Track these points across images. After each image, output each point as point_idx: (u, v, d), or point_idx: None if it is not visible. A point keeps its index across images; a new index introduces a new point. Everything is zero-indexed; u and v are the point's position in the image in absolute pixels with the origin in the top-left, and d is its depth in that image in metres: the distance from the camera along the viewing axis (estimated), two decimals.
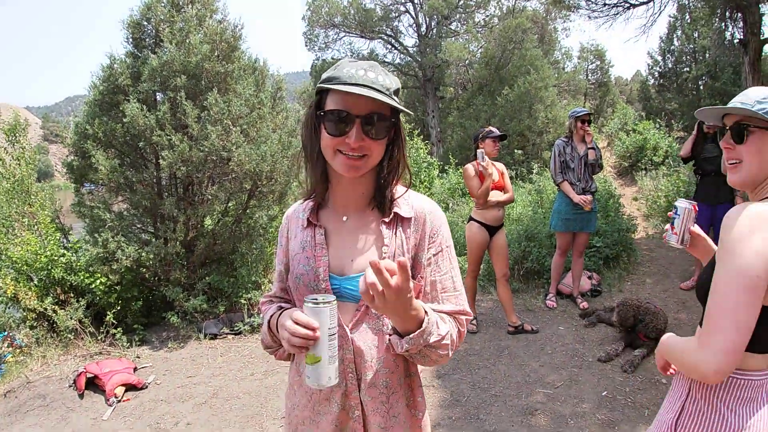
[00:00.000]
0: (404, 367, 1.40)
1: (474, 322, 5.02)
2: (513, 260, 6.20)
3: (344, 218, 1.39)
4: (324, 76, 1.27)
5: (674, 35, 16.97)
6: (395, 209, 1.36)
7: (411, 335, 1.19)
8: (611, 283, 6.00)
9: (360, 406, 1.35)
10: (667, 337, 1.55)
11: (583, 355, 4.32)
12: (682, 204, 1.66)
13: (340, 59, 1.35)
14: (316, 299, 1.15)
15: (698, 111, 1.59)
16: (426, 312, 1.22)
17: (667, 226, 1.73)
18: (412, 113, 1.27)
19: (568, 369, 4.11)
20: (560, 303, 5.54)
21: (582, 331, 4.82)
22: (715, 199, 5.23)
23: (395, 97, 1.27)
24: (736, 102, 1.43)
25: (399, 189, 1.40)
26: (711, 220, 5.22)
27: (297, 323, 1.14)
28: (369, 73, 1.22)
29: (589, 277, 5.92)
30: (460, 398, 3.78)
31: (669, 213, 1.74)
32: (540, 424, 3.38)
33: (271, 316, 1.40)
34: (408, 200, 1.40)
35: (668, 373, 1.70)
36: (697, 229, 1.70)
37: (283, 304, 1.47)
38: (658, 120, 15.48)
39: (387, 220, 1.35)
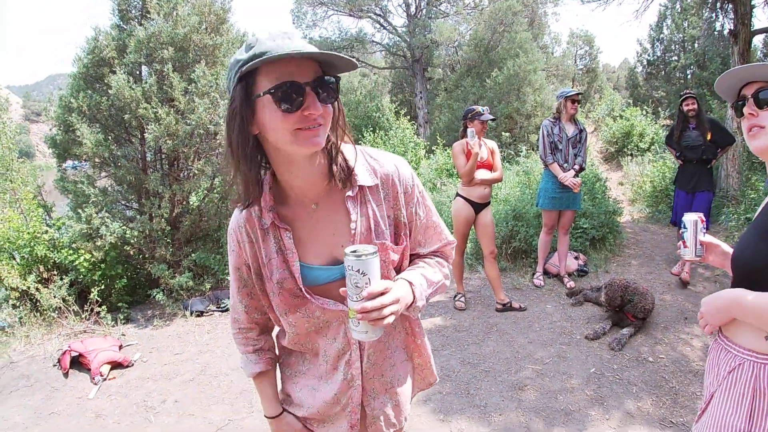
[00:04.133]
0: (402, 326, 1.53)
1: (462, 299, 5.03)
2: (500, 239, 6.21)
3: (313, 206, 1.30)
4: (238, 59, 1.11)
5: (664, 24, 17.05)
6: (358, 181, 1.28)
7: (410, 308, 1.30)
8: (597, 263, 6.04)
9: (361, 375, 1.39)
10: (741, 292, 1.33)
11: (570, 333, 4.34)
12: (688, 218, 1.66)
13: (251, 39, 1.13)
14: (357, 251, 1.12)
15: (722, 76, 1.46)
16: (411, 282, 1.30)
17: (679, 242, 1.71)
18: (357, 63, 1.19)
19: (556, 346, 4.13)
20: (547, 282, 5.57)
21: (569, 309, 4.85)
22: (694, 187, 5.27)
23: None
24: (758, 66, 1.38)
25: (347, 150, 1.31)
26: (690, 208, 5.24)
27: (373, 295, 1.12)
28: (295, 40, 1.11)
29: (576, 258, 5.96)
30: (450, 374, 3.78)
31: (679, 231, 1.72)
32: (529, 399, 3.40)
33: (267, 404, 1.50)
34: (367, 164, 1.32)
35: (710, 332, 1.53)
36: (708, 238, 1.67)
37: (266, 368, 1.49)
38: (645, 107, 15.58)
39: (352, 194, 1.28)
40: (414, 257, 1.47)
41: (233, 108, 1.11)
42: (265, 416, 1.50)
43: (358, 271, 1.10)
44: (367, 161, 1.33)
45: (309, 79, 1.09)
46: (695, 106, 5.20)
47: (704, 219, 1.66)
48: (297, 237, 1.29)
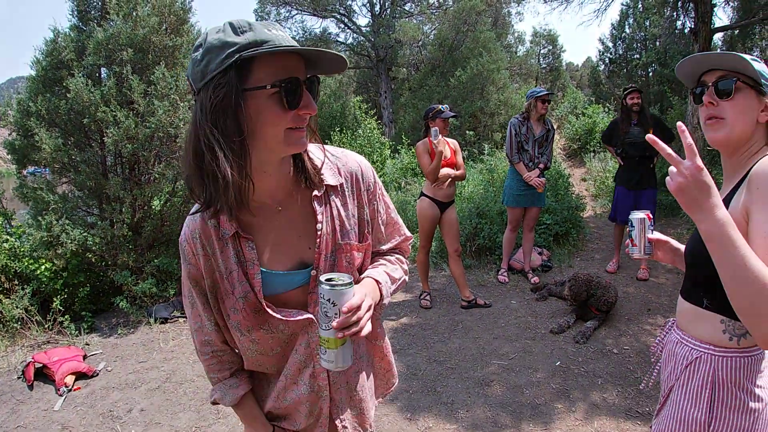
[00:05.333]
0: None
1: (428, 297, 5.08)
2: (465, 237, 6.29)
3: (279, 209, 1.24)
4: (226, 41, 1.00)
5: (626, 23, 17.38)
6: (325, 181, 1.25)
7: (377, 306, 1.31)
8: (561, 258, 6.17)
9: (328, 386, 1.34)
10: (739, 236, 1.14)
11: (535, 328, 4.43)
12: (635, 215, 1.64)
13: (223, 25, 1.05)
14: (332, 280, 1.09)
15: (686, 59, 1.40)
16: (378, 281, 1.31)
17: (626, 240, 1.71)
18: (345, 60, 1.08)
19: (521, 341, 4.21)
20: (512, 278, 5.67)
21: (533, 304, 4.94)
22: (638, 185, 5.24)
23: None
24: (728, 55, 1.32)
25: (314, 150, 1.28)
26: (634, 205, 5.23)
27: (352, 308, 1.08)
28: (283, 30, 1.06)
29: (540, 253, 6.07)
30: (417, 372, 3.82)
31: (626, 229, 1.72)
32: (496, 394, 3.46)
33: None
34: (331, 163, 1.29)
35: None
36: (657, 235, 1.66)
37: (248, 388, 1.38)
38: (607, 104, 15.89)
39: (319, 194, 1.24)
40: (374, 255, 1.45)
41: (225, 96, 0.99)
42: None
43: (329, 300, 1.07)
44: (330, 160, 1.29)
45: (304, 78, 1.06)
46: (639, 100, 5.21)
47: (651, 216, 1.66)
48: (260, 244, 1.22)
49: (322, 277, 1.10)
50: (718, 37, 12.90)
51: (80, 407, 3.75)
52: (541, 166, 5.21)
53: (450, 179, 4.67)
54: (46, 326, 4.97)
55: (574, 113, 17.43)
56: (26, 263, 5.31)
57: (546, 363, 3.83)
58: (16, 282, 5.34)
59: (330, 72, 1.16)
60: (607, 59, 18.47)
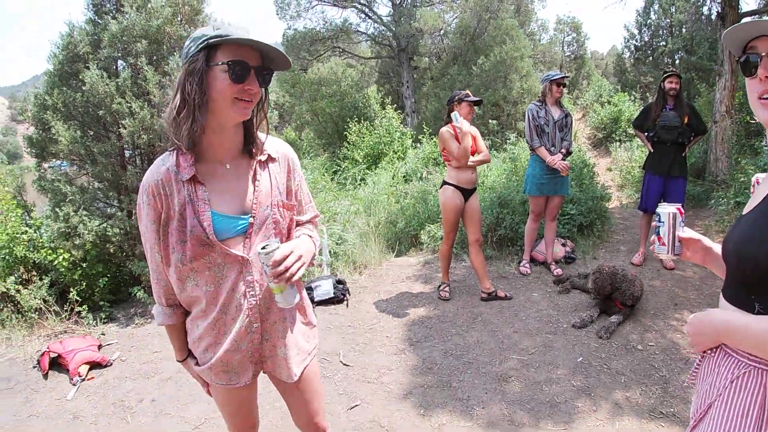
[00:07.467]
0: None
1: (447, 289, 4.96)
2: (486, 227, 6.14)
3: (227, 166, 1.58)
4: (205, 34, 1.39)
5: (651, 9, 16.98)
6: (266, 152, 1.64)
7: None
8: (585, 250, 5.98)
9: (259, 318, 1.65)
10: (734, 318, 1.18)
11: (557, 322, 4.29)
12: (665, 209, 1.46)
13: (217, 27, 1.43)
14: (265, 247, 1.47)
15: (738, 25, 1.18)
16: (311, 237, 1.76)
17: (653, 237, 1.51)
18: (290, 59, 1.59)
19: (542, 335, 4.07)
20: (534, 270, 5.50)
21: (556, 297, 4.79)
22: (668, 171, 5.05)
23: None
24: None
25: (260, 134, 1.64)
26: (662, 196, 5.06)
27: (277, 263, 1.47)
28: (251, 34, 1.42)
29: (563, 245, 5.90)
30: (433, 366, 3.72)
31: (653, 223, 1.51)
32: (514, 390, 3.34)
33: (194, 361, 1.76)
34: (271, 144, 1.68)
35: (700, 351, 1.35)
36: (688, 233, 1.46)
37: (178, 322, 1.71)
38: (633, 92, 15.54)
39: (263, 159, 1.63)
40: (297, 225, 1.81)
41: (195, 67, 1.39)
42: (177, 360, 1.80)
43: (264, 263, 1.47)
44: (271, 143, 1.69)
45: (255, 65, 1.44)
46: (678, 85, 5.03)
47: (683, 211, 1.47)
48: (210, 190, 1.53)
49: (258, 247, 1.49)
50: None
51: (92, 397, 3.75)
52: (563, 150, 5.04)
53: (474, 164, 4.56)
54: (63, 316, 4.99)
55: (599, 102, 17.09)
56: (44, 254, 5.35)
57: (567, 359, 3.69)
58: (35, 273, 5.37)
59: (279, 68, 1.55)
60: (632, 46, 18.09)
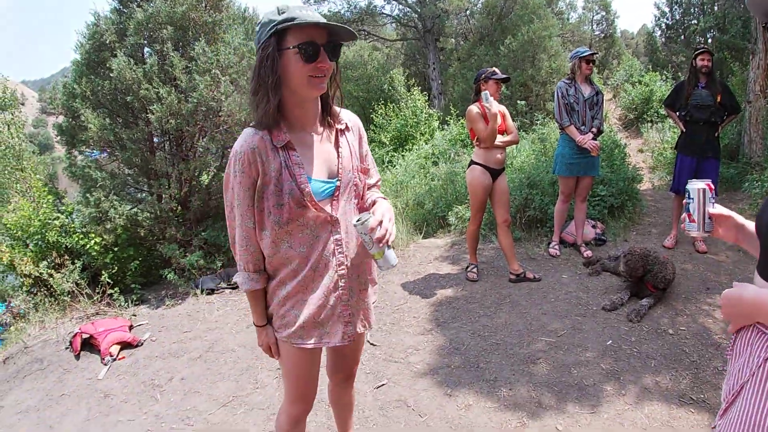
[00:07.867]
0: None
1: (475, 270, 4.90)
2: (515, 208, 6.04)
3: (312, 135, 1.71)
4: (272, 20, 1.50)
5: None
6: (344, 121, 1.79)
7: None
8: (616, 232, 5.85)
9: (346, 275, 1.79)
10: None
11: (587, 304, 4.21)
12: (694, 185, 1.41)
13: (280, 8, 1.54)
14: (360, 219, 1.64)
15: None
16: (386, 198, 1.91)
17: (684, 214, 1.46)
18: (356, 34, 1.70)
19: (571, 317, 4.00)
20: (563, 251, 5.41)
21: (585, 279, 4.70)
22: (701, 152, 4.90)
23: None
24: None
25: (335, 107, 1.78)
26: (694, 176, 4.80)
27: (374, 229, 1.63)
28: (313, 13, 1.52)
29: (594, 226, 5.78)
30: (460, 346, 3.69)
31: (683, 201, 1.47)
32: (541, 372, 3.30)
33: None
34: (344, 114, 1.82)
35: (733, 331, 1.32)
36: (718, 209, 1.42)
37: (263, 286, 1.79)
38: (665, 72, 15.10)
39: (341, 127, 1.77)
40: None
41: (267, 53, 1.50)
42: (254, 324, 1.86)
43: (362, 232, 1.65)
44: (344, 113, 1.82)
45: (323, 42, 1.53)
46: (710, 63, 4.86)
47: (713, 186, 1.41)
48: (301, 155, 1.66)
49: (354, 220, 1.68)
50: None
51: (123, 376, 3.83)
52: (594, 130, 4.91)
53: (502, 144, 4.49)
54: (95, 299, 5.10)
55: (630, 82, 16.66)
56: (76, 239, 5.48)
57: (596, 342, 3.62)
58: (67, 257, 5.50)
59: (346, 40, 1.63)
60: (663, 25, 17.58)
